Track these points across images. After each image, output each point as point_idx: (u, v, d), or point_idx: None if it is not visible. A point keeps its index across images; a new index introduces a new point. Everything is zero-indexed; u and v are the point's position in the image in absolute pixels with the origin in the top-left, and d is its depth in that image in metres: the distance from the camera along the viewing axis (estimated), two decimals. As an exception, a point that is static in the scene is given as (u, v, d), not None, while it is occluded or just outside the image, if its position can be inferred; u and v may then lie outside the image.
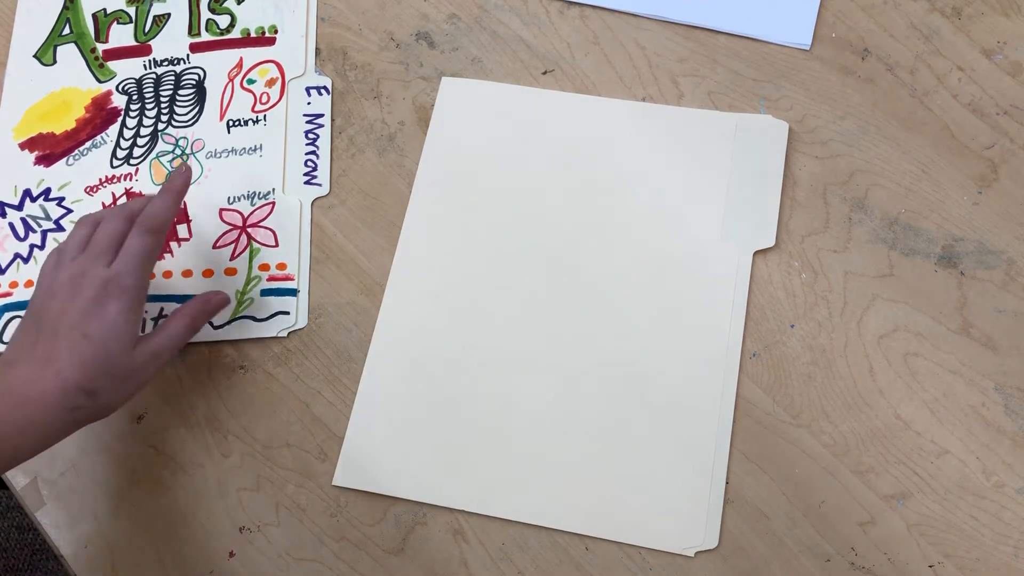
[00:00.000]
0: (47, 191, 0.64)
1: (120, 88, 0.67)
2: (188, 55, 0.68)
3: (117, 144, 0.66)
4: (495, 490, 0.55)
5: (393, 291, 0.60)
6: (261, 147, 0.65)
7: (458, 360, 0.58)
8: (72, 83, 0.68)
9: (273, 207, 0.63)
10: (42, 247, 0.63)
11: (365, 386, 0.58)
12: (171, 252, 0.62)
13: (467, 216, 0.61)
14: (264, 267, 0.61)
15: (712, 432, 0.55)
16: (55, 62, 0.68)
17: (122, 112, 0.67)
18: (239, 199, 0.63)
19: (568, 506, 0.54)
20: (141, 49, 0.69)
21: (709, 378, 0.56)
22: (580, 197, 0.61)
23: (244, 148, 0.65)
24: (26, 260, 0.63)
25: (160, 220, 0.54)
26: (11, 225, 0.64)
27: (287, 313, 0.60)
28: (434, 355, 0.58)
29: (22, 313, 0.61)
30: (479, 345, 0.58)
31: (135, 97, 0.67)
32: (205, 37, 0.69)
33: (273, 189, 0.63)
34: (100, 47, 0.69)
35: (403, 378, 0.58)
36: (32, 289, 0.61)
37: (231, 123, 0.66)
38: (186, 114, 0.66)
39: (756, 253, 0.58)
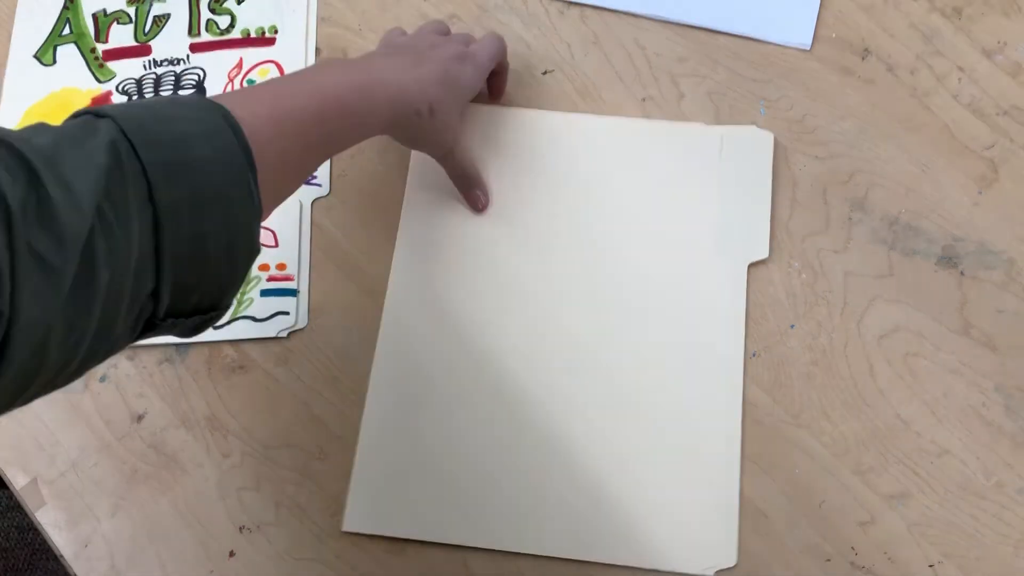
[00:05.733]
0: (47, 191, 0.64)
1: (120, 88, 0.67)
2: (188, 55, 0.68)
3: (117, 144, 0.65)
4: (506, 523, 0.54)
5: (389, 318, 0.59)
6: (261, 147, 0.65)
7: (459, 395, 0.57)
8: (72, 83, 0.68)
9: (273, 207, 0.63)
10: (42, 247, 0.63)
11: (368, 420, 0.57)
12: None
13: (454, 242, 0.60)
14: (264, 267, 0.61)
15: (722, 451, 0.54)
16: (55, 62, 0.68)
17: (122, 112, 0.66)
18: (239, 199, 0.63)
19: (583, 534, 0.53)
20: (141, 49, 0.69)
21: (714, 395, 0.55)
22: (569, 217, 0.60)
23: (244, 148, 0.65)
24: (26, 260, 0.63)
25: (497, 50, 0.61)
26: (11, 225, 0.64)
27: (287, 313, 0.60)
28: (435, 393, 0.57)
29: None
30: (479, 378, 0.57)
31: (135, 97, 0.67)
32: (205, 37, 0.69)
33: (273, 189, 0.63)
34: (100, 47, 0.69)
35: (406, 412, 0.57)
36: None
37: (231, 123, 0.66)
38: (186, 114, 0.66)
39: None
